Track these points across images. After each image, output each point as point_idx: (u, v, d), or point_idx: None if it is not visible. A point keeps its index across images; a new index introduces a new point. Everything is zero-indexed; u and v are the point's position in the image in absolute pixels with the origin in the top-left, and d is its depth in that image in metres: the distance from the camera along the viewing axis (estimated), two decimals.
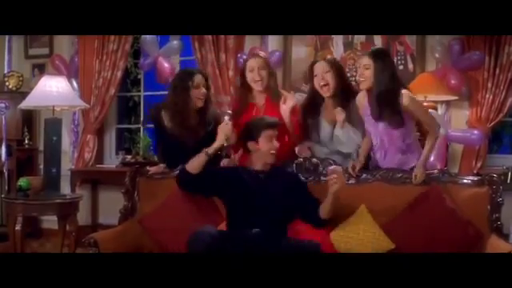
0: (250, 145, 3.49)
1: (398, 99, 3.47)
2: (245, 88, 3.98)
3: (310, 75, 3.90)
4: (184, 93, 3.85)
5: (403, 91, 3.49)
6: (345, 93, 3.83)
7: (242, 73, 3.99)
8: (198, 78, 3.88)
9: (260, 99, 3.94)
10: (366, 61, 3.55)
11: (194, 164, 3.53)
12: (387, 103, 3.49)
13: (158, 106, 4.05)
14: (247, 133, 3.52)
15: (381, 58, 3.56)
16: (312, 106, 3.92)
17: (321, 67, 3.82)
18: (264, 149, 3.46)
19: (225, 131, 3.56)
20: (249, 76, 3.90)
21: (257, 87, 3.90)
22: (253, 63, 3.90)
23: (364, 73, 3.54)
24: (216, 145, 3.56)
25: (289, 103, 3.86)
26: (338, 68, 3.87)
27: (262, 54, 4.04)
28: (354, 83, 4.18)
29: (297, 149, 3.86)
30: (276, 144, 3.49)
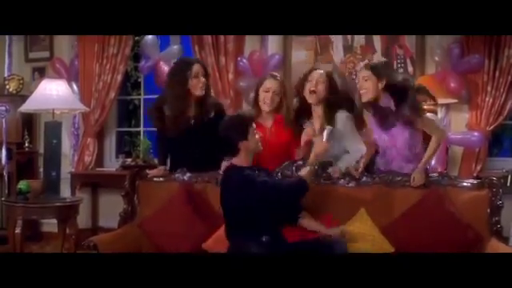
0: (244, 144, 3.27)
1: (404, 109, 3.50)
2: (255, 105, 3.98)
3: (303, 80, 3.85)
4: (183, 83, 3.88)
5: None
6: (334, 104, 3.79)
7: (256, 90, 3.99)
8: (197, 68, 3.90)
9: (267, 120, 3.95)
10: (365, 73, 3.58)
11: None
12: (392, 113, 3.54)
13: (157, 102, 4.07)
14: (236, 134, 3.27)
15: (379, 69, 3.60)
16: (302, 111, 3.90)
17: (317, 75, 3.80)
18: (253, 143, 3.30)
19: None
20: (261, 95, 3.91)
21: (264, 108, 3.91)
22: (269, 84, 3.90)
23: (364, 85, 3.56)
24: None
25: (306, 138, 3.78)
26: (332, 81, 3.83)
27: (279, 76, 4.02)
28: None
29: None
30: (259, 133, 3.41)
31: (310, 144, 3.74)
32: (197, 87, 3.88)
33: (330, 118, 3.73)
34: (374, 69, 3.59)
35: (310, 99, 3.79)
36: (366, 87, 3.56)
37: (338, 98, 3.80)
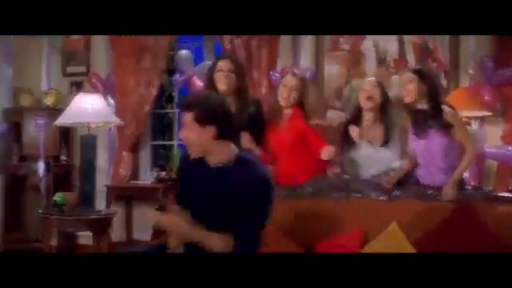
0: None
1: (441, 115, 3.53)
2: (276, 101, 4.10)
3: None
4: (209, 77, 3.98)
5: (446, 108, 3.55)
6: (384, 109, 3.95)
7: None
8: (222, 62, 3.95)
9: (283, 114, 4.04)
10: (410, 75, 3.64)
11: None
12: (430, 119, 3.55)
13: None
14: None
15: (424, 73, 3.68)
16: (354, 118, 4.02)
17: (370, 82, 3.98)
18: None
19: None
20: (280, 89, 4.03)
21: (281, 102, 4.01)
22: (288, 79, 4.03)
23: (407, 86, 3.59)
24: None
25: (329, 155, 3.85)
26: (383, 88, 4.00)
27: (299, 73, 4.16)
28: None
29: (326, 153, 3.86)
30: None
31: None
32: (219, 81, 3.90)
33: (384, 122, 3.91)
34: (419, 72, 3.67)
35: (367, 105, 3.91)
36: (410, 89, 3.61)
37: (391, 104, 3.99)
